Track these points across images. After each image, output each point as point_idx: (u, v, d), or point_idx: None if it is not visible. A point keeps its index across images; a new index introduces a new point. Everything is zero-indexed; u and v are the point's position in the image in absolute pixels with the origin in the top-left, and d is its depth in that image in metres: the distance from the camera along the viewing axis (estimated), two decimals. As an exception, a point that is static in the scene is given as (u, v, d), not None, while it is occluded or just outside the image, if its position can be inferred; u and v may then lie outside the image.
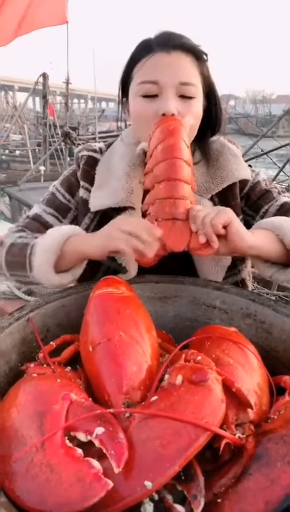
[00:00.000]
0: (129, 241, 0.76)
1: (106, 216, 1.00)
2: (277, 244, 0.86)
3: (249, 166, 1.07)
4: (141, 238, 0.76)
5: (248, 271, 1.09)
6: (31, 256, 0.89)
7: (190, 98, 0.88)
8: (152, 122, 0.88)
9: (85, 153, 1.07)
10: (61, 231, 0.88)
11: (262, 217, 1.00)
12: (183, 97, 0.88)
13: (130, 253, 0.77)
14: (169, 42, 0.87)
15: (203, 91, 0.92)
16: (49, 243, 0.87)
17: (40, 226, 1.03)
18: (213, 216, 0.77)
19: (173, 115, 0.86)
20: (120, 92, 0.98)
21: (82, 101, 38.83)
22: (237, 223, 0.79)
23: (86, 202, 1.02)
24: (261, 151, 5.44)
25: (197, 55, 0.90)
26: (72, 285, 0.91)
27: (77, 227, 0.92)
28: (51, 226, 1.02)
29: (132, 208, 0.97)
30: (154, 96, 0.88)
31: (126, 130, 1.07)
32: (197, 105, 0.90)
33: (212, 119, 0.98)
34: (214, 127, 1.00)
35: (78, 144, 6.08)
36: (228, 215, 0.78)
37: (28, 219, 1.06)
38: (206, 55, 0.92)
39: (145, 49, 0.89)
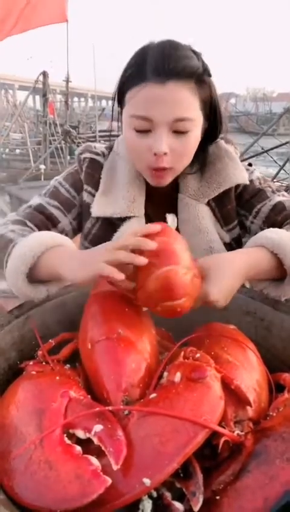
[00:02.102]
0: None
1: (108, 222, 0.99)
2: (272, 262, 0.80)
3: (249, 165, 1.06)
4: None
5: None
6: (9, 256, 0.81)
7: (186, 132, 0.83)
8: (146, 156, 0.85)
9: (88, 155, 1.03)
10: (41, 239, 0.79)
11: (255, 217, 0.98)
12: (179, 132, 0.82)
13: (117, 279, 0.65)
14: (164, 70, 0.78)
15: (203, 113, 0.86)
16: (24, 249, 0.78)
17: (44, 218, 0.98)
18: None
19: (165, 154, 0.82)
20: (115, 100, 0.92)
21: (82, 99, 38.73)
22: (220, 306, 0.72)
23: (88, 206, 1.00)
24: (262, 149, 5.44)
25: (199, 79, 0.82)
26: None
27: (65, 237, 0.84)
28: (56, 219, 1.00)
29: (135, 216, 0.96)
30: (147, 131, 0.83)
31: (119, 140, 1.03)
32: (193, 138, 0.85)
33: (212, 133, 0.94)
34: (213, 139, 0.97)
35: (79, 143, 6.07)
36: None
37: (29, 209, 1.00)
38: (208, 73, 0.84)
39: (138, 75, 0.81)
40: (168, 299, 0.63)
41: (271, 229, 0.85)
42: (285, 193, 1.01)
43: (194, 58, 0.82)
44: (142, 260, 0.63)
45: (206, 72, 0.84)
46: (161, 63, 0.79)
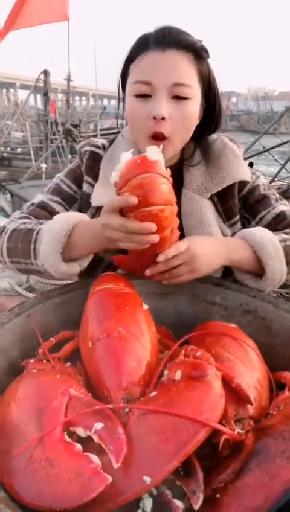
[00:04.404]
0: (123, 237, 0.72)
1: None
2: (251, 255, 0.87)
3: (251, 164, 1.06)
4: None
5: None
6: (36, 243, 0.87)
7: (185, 98, 0.85)
8: (145, 123, 0.86)
9: (88, 148, 1.06)
10: (68, 218, 0.87)
11: (258, 223, 1.01)
12: (178, 98, 0.85)
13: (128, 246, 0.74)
14: (165, 39, 0.84)
15: (202, 90, 0.89)
16: (55, 230, 0.85)
17: (48, 214, 1.01)
18: (178, 272, 0.79)
19: (163, 118, 0.84)
20: (120, 88, 0.95)
21: (83, 98, 38.72)
22: (201, 272, 0.81)
23: (88, 197, 1.02)
24: (263, 148, 5.42)
25: (196, 53, 0.86)
26: (71, 281, 0.91)
27: (84, 214, 0.92)
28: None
29: None
30: (148, 96, 0.85)
31: (126, 127, 1.06)
32: (192, 107, 0.87)
33: (210, 118, 0.95)
34: (212, 126, 0.98)
35: (80, 141, 6.06)
36: (190, 273, 0.80)
37: (33, 207, 1.04)
38: (207, 52, 0.88)
39: (141, 46, 0.86)
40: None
41: (258, 227, 0.93)
42: (286, 202, 1.04)
43: (192, 36, 0.88)
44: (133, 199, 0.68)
45: (204, 49, 0.88)
46: (161, 35, 0.85)
